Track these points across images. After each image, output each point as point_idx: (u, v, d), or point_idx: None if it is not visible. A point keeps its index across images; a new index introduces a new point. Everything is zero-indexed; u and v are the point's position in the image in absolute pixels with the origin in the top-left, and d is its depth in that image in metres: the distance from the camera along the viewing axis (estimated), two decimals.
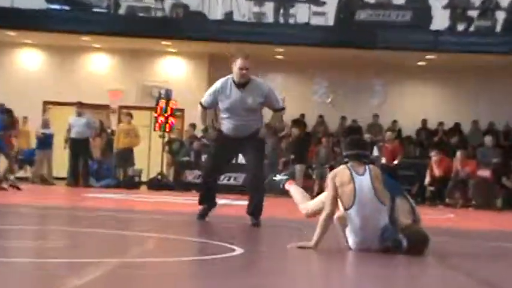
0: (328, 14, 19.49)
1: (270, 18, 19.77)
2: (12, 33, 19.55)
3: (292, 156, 17.72)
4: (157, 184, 17.75)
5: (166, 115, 18.17)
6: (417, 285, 4.33)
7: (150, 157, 19.18)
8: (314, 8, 19.55)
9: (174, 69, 20.99)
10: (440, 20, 19.19)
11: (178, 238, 6.15)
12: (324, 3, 19.55)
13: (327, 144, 18.80)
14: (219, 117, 7.89)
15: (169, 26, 19.46)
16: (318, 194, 7.07)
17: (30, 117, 18.91)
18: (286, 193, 6.71)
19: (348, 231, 5.50)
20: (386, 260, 5.25)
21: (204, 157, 16.36)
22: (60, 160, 17.83)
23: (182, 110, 20.11)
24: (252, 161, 7.64)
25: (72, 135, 17.15)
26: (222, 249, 5.29)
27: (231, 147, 7.77)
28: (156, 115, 18.33)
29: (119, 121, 19.72)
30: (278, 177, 6.74)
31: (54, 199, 12.53)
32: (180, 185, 17.81)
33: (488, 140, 17.82)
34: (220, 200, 8.81)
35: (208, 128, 7.90)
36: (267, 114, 8.01)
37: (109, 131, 19.24)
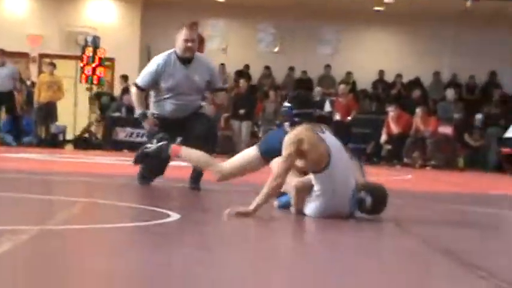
0: None
1: None
2: None
3: (242, 111, 17.74)
4: (84, 143, 17.63)
5: (93, 65, 17.97)
6: (369, 254, 4.39)
7: (76, 113, 18.97)
8: None
9: (103, 13, 20.69)
10: None
11: (108, 203, 6.12)
12: None
13: (275, 99, 18.83)
14: (154, 98, 7.57)
15: None
16: None
17: None
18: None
19: (314, 197, 5.47)
20: (339, 226, 5.31)
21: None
22: None
23: (112, 60, 19.89)
24: (200, 123, 7.48)
25: None
26: (155, 215, 5.29)
27: (173, 130, 7.37)
28: (82, 65, 18.09)
29: (40, 71, 19.42)
30: (154, 145, 6.24)
31: None
32: (110, 144, 17.71)
33: (450, 93, 18.06)
34: None
35: (148, 114, 7.48)
36: None
37: (28, 82, 18.94)
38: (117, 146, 17.39)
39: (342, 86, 18.58)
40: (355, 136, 18.18)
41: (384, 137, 17.22)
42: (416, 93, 19.08)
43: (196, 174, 7.44)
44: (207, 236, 4.74)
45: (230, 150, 16.52)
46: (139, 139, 16.10)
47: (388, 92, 20.83)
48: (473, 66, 20.72)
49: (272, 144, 5.95)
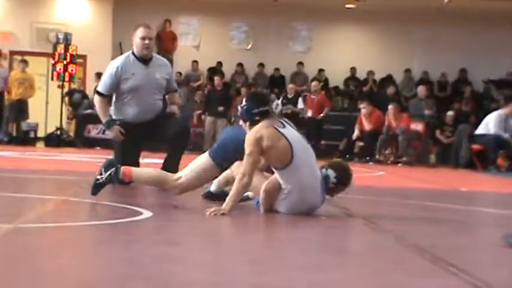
0: None
1: None
2: None
3: (221, 108, 17.73)
4: (56, 140, 17.52)
5: (65, 62, 17.85)
6: (342, 250, 4.41)
7: (47, 110, 18.84)
8: None
9: (74, 9, 20.54)
10: None
11: (80, 201, 6.10)
12: None
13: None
14: (115, 104, 7.42)
15: None
16: None
17: None
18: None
19: (283, 195, 5.47)
20: (309, 222, 5.32)
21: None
22: None
23: (84, 57, 19.78)
24: (172, 122, 7.34)
25: None
26: (128, 213, 5.28)
27: (139, 135, 7.34)
28: (53, 62, 17.98)
29: (11, 68, 19.27)
30: (104, 175, 5.83)
31: None
32: (82, 141, 17.63)
33: (421, 90, 18.15)
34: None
35: (113, 122, 7.34)
36: None
37: None
38: (90, 143, 17.30)
39: (314, 83, 18.62)
40: (328, 133, 18.24)
41: (356, 133, 17.26)
42: (390, 90, 19.16)
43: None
44: (178, 233, 4.74)
45: (200, 147, 16.55)
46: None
47: (360, 89, 20.90)
48: (444, 64, 20.83)
49: (225, 150, 5.86)
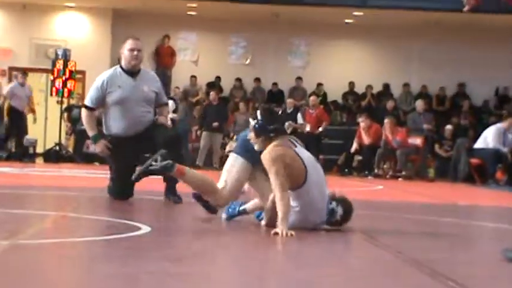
0: None
1: None
2: None
3: (215, 124, 17.70)
4: (55, 156, 17.50)
5: (64, 78, 17.86)
6: (341, 265, 4.40)
7: (46, 126, 18.84)
8: None
9: (73, 26, 20.58)
10: None
11: (79, 216, 6.09)
12: None
13: (246, 111, 18.86)
14: (104, 119, 7.43)
15: None
16: None
17: None
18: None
19: (292, 212, 5.41)
20: (310, 237, 5.32)
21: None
22: None
23: (83, 72, 19.80)
24: (162, 130, 7.33)
25: None
26: (126, 228, 5.27)
27: (129, 150, 7.29)
28: (52, 78, 17.99)
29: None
30: (158, 163, 5.76)
31: None
32: (81, 157, 17.61)
33: (419, 104, 18.15)
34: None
35: (99, 136, 7.35)
36: None
37: None
38: (88, 159, 17.29)
39: (312, 98, 18.64)
40: (326, 147, 18.23)
41: (354, 147, 17.23)
42: (389, 104, 19.19)
43: (172, 185, 7.35)
44: (177, 248, 4.73)
45: (194, 162, 16.58)
46: None
47: (359, 104, 20.91)
48: (443, 78, 20.86)
49: (246, 145, 5.76)
